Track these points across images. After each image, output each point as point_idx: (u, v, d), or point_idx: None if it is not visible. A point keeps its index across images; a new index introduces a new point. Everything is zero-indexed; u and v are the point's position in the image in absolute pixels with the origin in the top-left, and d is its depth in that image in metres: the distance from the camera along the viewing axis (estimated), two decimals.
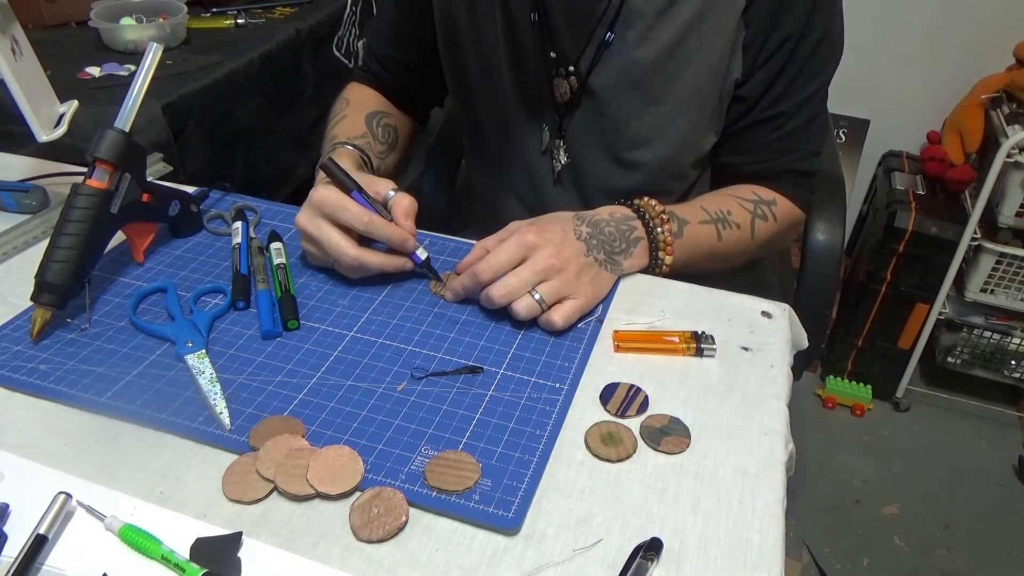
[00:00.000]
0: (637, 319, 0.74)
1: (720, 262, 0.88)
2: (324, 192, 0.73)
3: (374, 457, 0.58)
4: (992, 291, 1.67)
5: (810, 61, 0.85)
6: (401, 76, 1.02)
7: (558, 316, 0.70)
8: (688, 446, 0.61)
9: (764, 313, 0.76)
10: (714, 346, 0.71)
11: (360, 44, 1.62)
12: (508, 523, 0.54)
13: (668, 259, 0.80)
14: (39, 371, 0.65)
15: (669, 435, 0.62)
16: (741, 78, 0.85)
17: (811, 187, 0.94)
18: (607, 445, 0.60)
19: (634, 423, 0.63)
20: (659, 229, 0.79)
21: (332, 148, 0.88)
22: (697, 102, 0.85)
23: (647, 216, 0.79)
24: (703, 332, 0.72)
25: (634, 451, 0.60)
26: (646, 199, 0.81)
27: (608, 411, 0.64)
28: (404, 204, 0.74)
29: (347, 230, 0.73)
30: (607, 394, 0.66)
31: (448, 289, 0.74)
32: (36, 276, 0.69)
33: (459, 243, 0.84)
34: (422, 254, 0.75)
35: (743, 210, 0.87)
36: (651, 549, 0.52)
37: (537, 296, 0.69)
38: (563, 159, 0.93)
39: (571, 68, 0.87)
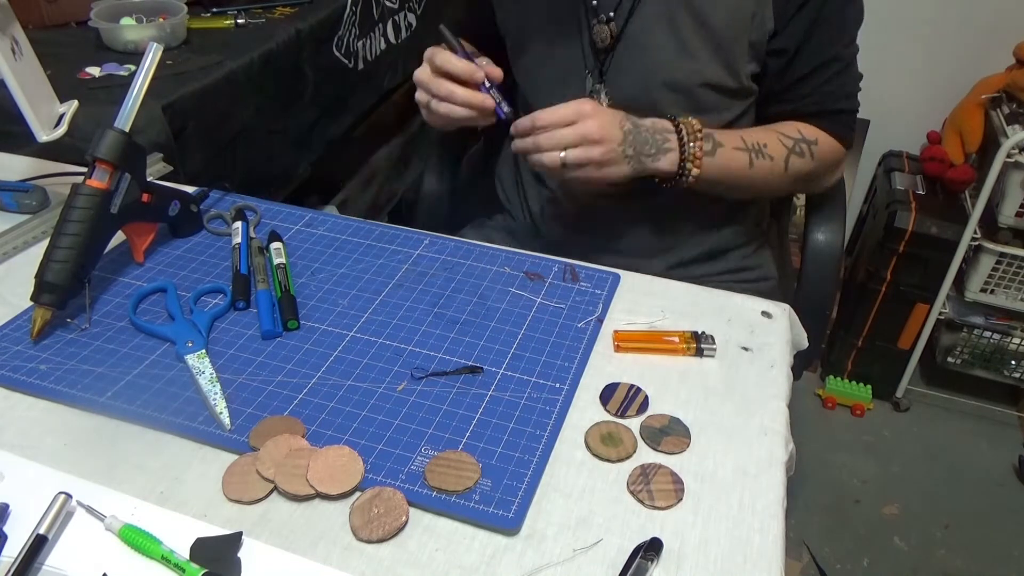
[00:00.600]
0: (637, 319, 0.74)
1: (749, 190, 0.96)
2: (431, 48, 0.89)
3: (374, 457, 0.58)
4: (992, 291, 1.67)
5: (845, 9, 0.92)
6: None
7: (565, 173, 0.83)
8: (688, 446, 0.61)
9: (764, 313, 0.76)
10: (714, 346, 0.71)
11: (360, 44, 1.62)
12: (508, 523, 0.54)
13: (695, 171, 0.88)
14: (39, 371, 0.65)
15: (669, 435, 0.62)
16: (773, 29, 0.90)
17: (852, 124, 0.98)
18: (607, 445, 0.60)
19: (634, 423, 0.63)
20: (692, 144, 0.87)
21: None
22: (726, 43, 0.91)
23: (684, 132, 0.87)
24: (703, 332, 0.72)
25: (634, 451, 0.60)
26: (689, 118, 0.89)
27: (608, 411, 0.64)
28: (484, 61, 0.87)
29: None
30: (607, 394, 0.66)
31: (514, 126, 0.84)
32: (36, 276, 0.69)
33: (459, 243, 0.85)
34: (493, 96, 0.86)
35: (781, 145, 0.93)
36: (651, 549, 0.52)
37: (562, 155, 0.81)
38: (605, 102, 0.97)
39: (611, 14, 0.93)
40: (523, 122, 0.83)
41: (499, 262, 0.82)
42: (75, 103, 0.89)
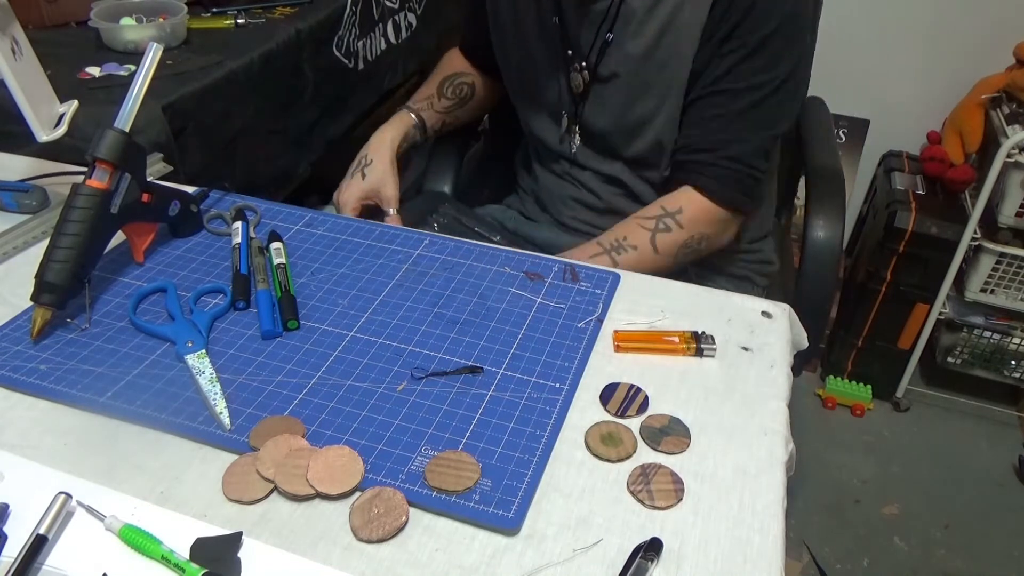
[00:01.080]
0: (637, 319, 0.74)
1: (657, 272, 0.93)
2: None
3: (374, 457, 0.58)
4: (992, 291, 1.67)
5: (760, 51, 0.88)
6: (481, 44, 1.13)
7: None
8: (688, 446, 0.61)
9: (764, 313, 0.76)
10: (714, 346, 0.71)
11: (360, 44, 1.62)
12: (508, 523, 0.54)
13: None
14: (39, 371, 0.65)
15: (669, 435, 0.62)
16: (698, 67, 0.91)
17: (743, 183, 0.93)
18: (607, 445, 0.60)
19: (634, 423, 0.63)
20: None
21: (399, 109, 1.11)
22: (678, 89, 0.93)
23: None
24: (703, 332, 0.72)
25: (634, 451, 0.60)
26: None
27: (608, 411, 0.64)
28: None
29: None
30: (607, 394, 0.66)
31: None
32: (36, 276, 0.69)
33: (459, 242, 0.85)
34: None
35: (642, 230, 0.94)
36: (651, 549, 0.52)
37: None
38: (577, 142, 1.04)
39: (583, 63, 0.98)
40: None
41: (499, 262, 0.82)
42: (75, 103, 0.89)
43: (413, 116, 1.11)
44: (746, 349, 0.71)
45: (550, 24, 0.99)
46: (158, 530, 0.52)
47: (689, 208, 0.94)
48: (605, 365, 0.69)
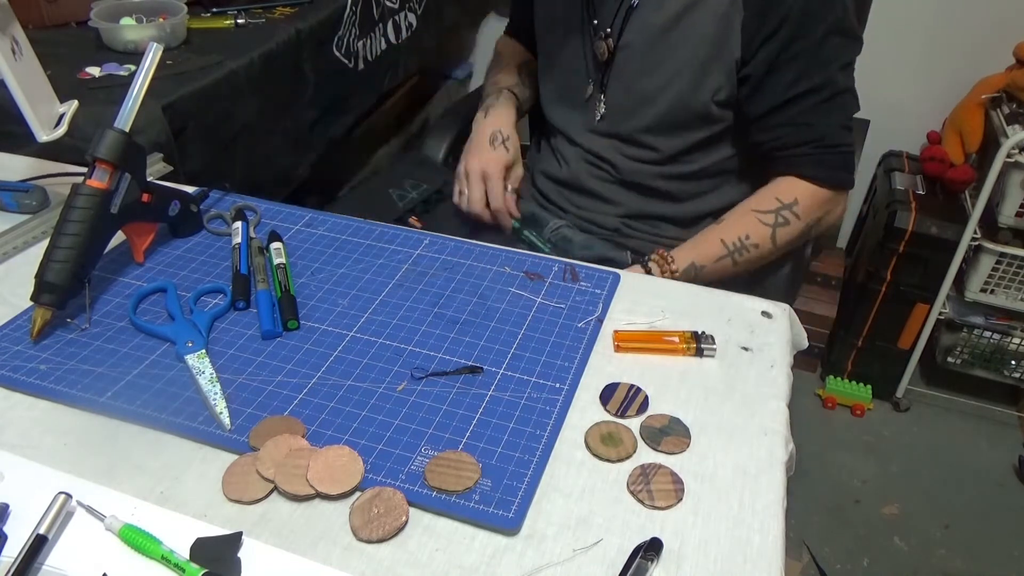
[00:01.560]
0: (637, 319, 0.74)
1: (738, 276, 0.98)
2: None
3: (374, 457, 0.58)
4: (992, 291, 1.67)
5: (825, 42, 0.92)
6: (526, 26, 1.18)
7: None
8: (688, 446, 0.61)
9: (764, 313, 0.76)
10: (714, 346, 0.71)
11: (360, 44, 1.62)
12: (508, 523, 0.54)
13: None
14: (39, 371, 0.65)
15: (669, 435, 0.62)
16: (741, 56, 0.93)
17: (842, 160, 0.97)
18: (607, 445, 0.60)
19: (634, 423, 0.63)
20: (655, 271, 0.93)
21: (497, 91, 1.15)
22: (691, 69, 0.95)
23: (654, 274, 0.92)
24: (703, 332, 0.72)
25: (634, 451, 0.60)
26: (664, 256, 0.94)
27: (608, 411, 0.64)
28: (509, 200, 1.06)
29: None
30: (607, 394, 0.66)
31: None
32: (36, 276, 0.69)
33: (459, 242, 0.85)
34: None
35: (762, 226, 0.95)
36: (651, 549, 0.52)
37: None
38: (602, 109, 1.05)
39: (608, 31, 1.00)
40: None
41: (499, 262, 0.82)
42: (75, 103, 0.89)
43: (515, 96, 1.15)
44: (746, 349, 0.71)
45: None
46: (158, 530, 0.52)
47: (804, 199, 0.96)
48: (605, 365, 0.69)
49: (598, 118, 1.06)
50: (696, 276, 0.94)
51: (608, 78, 1.03)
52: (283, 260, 0.78)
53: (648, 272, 0.93)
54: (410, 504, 0.55)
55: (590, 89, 1.06)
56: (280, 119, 1.44)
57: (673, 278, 0.91)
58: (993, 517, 1.63)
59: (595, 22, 1.02)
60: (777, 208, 0.95)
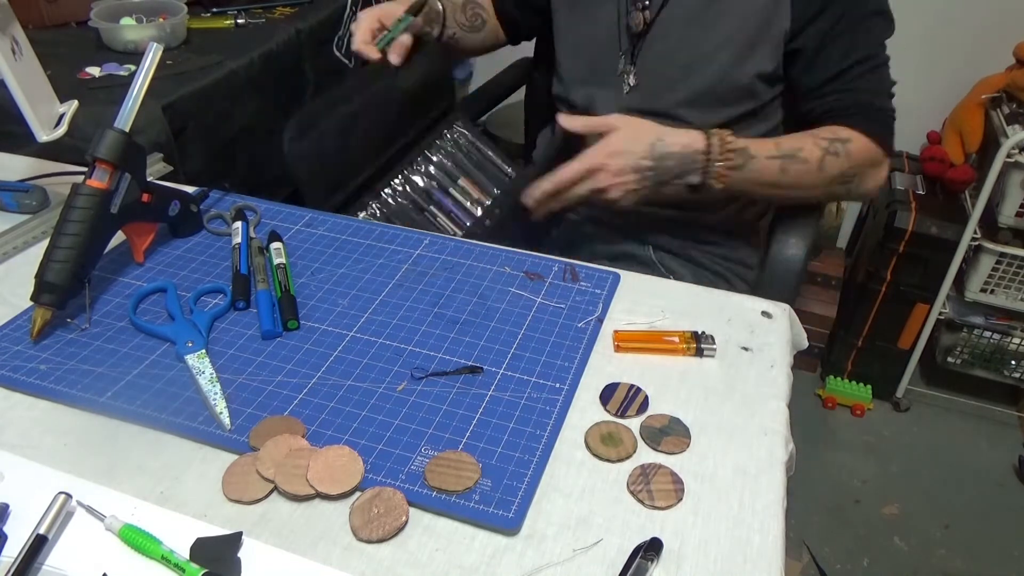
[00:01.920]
0: (637, 319, 0.74)
1: (786, 190, 0.96)
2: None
3: (374, 457, 0.58)
4: (992, 291, 1.67)
5: (870, 19, 0.97)
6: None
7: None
8: (688, 446, 0.61)
9: (764, 313, 0.76)
10: (714, 346, 0.71)
11: None
12: (508, 523, 0.54)
13: (718, 185, 0.91)
14: (39, 371, 0.65)
15: (669, 435, 0.62)
16: (790, 27, 0.95)
17: (888, 126, 1.01)
18: (607, 445, 0.60)
19: (634, 423, 0.63)
20: (718, 163, 0.89)
21: None
22: (737, 42, 0.96)
23: (713, 151, 0.89)
24: (703, 332, 0.72)
25: (634, 451, 0.60)
26: (723, 132, 0.91)
27: (608, 411, 0.64)
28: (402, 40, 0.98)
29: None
30: (607, 394, 0.66)
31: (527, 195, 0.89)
32: (36, 276, 0.69)
33: (459, 242, 0.85)
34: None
35: (816, 147, 0.95)
36: (651, 549, 0.52)
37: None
38: (631, 82, 1.03)
39: (646, 2, 0.99)
40: (541, 186, 0.89)
41: (499, 262, 0.82)
42: (75, 103, 0.89)
43: (439, 3, 1.09)
44: (746, 349, 0.71)
45: None
46: (158, 530, 0.52)
47: (858, 141, 0.97)
48: (605, 365, 0.69)
49: (626, 91, 1.05)
50: (744, 166, 0.91)
51: (640, 50, 1.02)
52: (283, 260, 0.78)
53: (708, 143, 0.90)
54: (410, 504, 0.55)
55: (621, 63, 1.04)
56: (280, 119, 1.44)
57: (724, 156, 0.90)
58: (993, 517, 1.63)
59: None
60: (832, 138, 0.96)
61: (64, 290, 0.69)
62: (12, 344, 0.68)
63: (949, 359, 1.81)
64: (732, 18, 0.95)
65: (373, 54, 0.96)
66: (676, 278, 1.05)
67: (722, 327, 0.74)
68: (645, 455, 0.60)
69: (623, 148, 0.88)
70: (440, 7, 1.09)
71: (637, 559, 0.51)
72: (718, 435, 0.62)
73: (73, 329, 0.70)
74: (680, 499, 0.57)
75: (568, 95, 1.13)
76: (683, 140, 0.89)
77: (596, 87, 1.08)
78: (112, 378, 0.65)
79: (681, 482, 0.58)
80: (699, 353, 0.70)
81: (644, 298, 0.77)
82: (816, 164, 0.95)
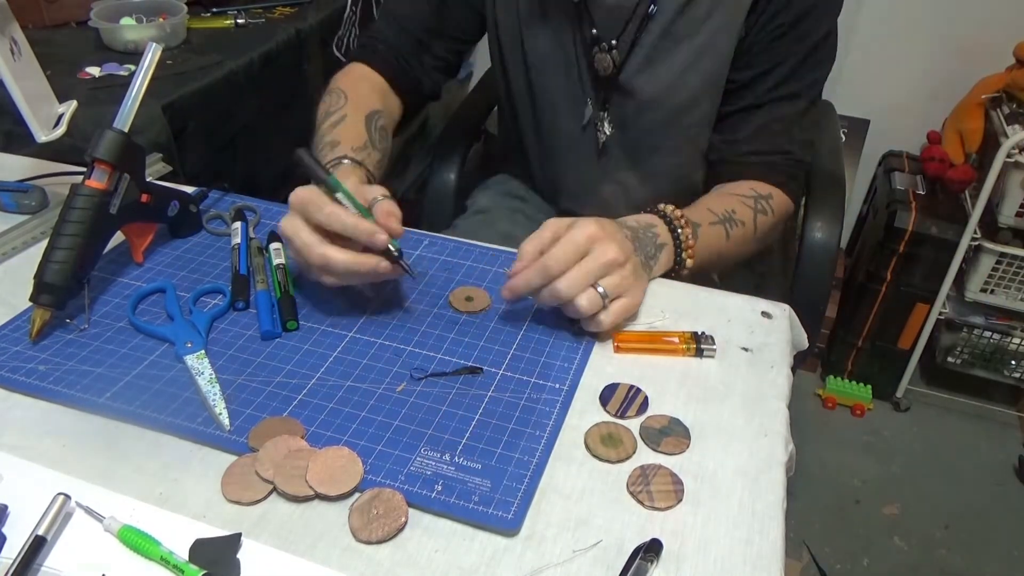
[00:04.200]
0: (637, 319, 0.74)
1: (726, 261, 0.90)
2: (302, 192, 0.68)
3: (373, 458, 0.58)
4: (992, 291, 1.67)
5: (817, 50, 0.89)
6: (412, 53, 1.01)
7: (606, 317, 0.69)
8: (688, 447, 0.61)
9: (764, 313, 0.76)
10: (714, 347, 0.70)
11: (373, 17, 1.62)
12: (508, 524, 0.54)
13: (690, 261, 0.81)
14: (38, 372, 0.65)
15: (669, 436, 0.62)
16: (737, 60, 0.89)
17: (802, 179, 0.95)
18: (607, 446, 0.60)
19: (634, 424, 0.63)
20: (680, 231, 0.80)
21: (335, 161, 0.82)
22: (714, 69, 0.91)
23: (671, 220, 0.80)
24: (703, 332, 0.72)
25: (634, 452, 0.60)
26: (664, 204, 0.81)
27: (608, 412, 0.64)
28: (386, 207, 0.69)
29: (326, 233, 0.67)
30: (607, 395, 0.65)
31: (507, 288, 0.70)
32: (35, 277, 0.69)
33: (459, 243, 0.84)
34: (393, 247, 0.68)
35: (746, 207, 0.89)
36: (651, 550, 0.52)
37: (601, 290, 0.67)
38: (607, 131, 0.96)
39: (613, 42, 0.91)
40: (528, 276, 0.68)
41: (499, 263, 0.81)
42: (74, 103, 0.89)
43: (358, 167, 0.83)
44: (746, 350, 0.71)
45: (565, 4, 0.92)
46: (157, 531, 0.52)
47: (777, 197, 0.92)
48: (605, 365, 0.69)
49: (603, 140, 0.98)
50: (697, 233, 0.82)
51: (612, 95, 0.95)
52: (282, 260, 0.78)
53: (658, 213, 0.80)
54: (409, 505, 0.55)
55: (589, 111, 0.97)
56: (280, 119, 1.44)
57: (679, 222, 0.80)
58: (993, 517, 1.63)
59: (594, 31, 0.92)
60: (756, 196, 0.90)
61: (63, 291, 0.69)
62: (11, 345, 0.68)
63: (949, 359, 1.81)
64: (703, 45, 0.89)
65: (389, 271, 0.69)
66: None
67: (722, 327, 0.74)
68: (645, 456, 0.60)
69: (601, 228, 0.69)
70: (365, 169, 0.83)
71: (637, 560, 0.51)
72: (718, 436, 0.62)
73: (72, 329, 0.70)
74: (680, 500, 0.56)
75: (540, 173, 1.07)
76: (629, 218, 0.78)
77: (568, 132, 1.00)
78: (111, 379, 0.65)
79: (681, 483, 0.58)
80: (699, 354, 0.70)
81: (644, 298, 0.77)
82: (751, 225, 0.89)
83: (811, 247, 1.05)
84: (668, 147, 0.97)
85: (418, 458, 0.58)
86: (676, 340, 0.71)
